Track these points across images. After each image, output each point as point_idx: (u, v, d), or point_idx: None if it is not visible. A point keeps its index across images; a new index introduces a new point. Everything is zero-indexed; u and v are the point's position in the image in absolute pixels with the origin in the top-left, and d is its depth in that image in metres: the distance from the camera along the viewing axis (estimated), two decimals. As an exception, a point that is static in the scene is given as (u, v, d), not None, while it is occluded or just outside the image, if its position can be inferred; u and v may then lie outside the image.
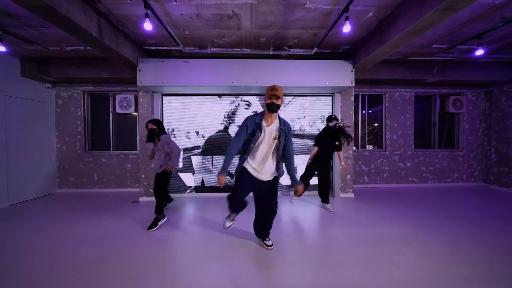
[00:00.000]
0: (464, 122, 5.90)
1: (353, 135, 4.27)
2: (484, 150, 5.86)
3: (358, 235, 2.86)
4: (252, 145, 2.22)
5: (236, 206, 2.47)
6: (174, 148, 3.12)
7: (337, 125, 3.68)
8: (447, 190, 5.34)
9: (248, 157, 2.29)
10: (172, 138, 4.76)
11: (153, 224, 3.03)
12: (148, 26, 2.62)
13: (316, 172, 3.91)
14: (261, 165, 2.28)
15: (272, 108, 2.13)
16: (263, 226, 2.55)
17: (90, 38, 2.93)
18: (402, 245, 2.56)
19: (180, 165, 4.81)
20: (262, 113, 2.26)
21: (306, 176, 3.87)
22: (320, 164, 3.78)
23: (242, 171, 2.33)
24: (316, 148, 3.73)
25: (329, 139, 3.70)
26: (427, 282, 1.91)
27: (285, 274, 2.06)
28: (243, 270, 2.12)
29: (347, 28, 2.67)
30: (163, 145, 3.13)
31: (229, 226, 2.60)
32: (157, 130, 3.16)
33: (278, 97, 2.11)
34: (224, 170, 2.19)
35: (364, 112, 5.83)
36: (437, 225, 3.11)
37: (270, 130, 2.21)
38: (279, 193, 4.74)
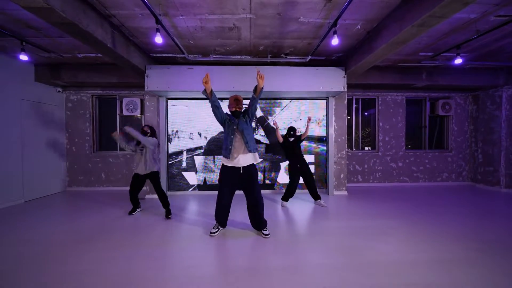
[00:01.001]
0: (453, 125, 6.21)
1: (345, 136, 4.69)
2: (471, 151, 6.16)
3: (347, 227, 3.16)
4: (232, 136, 2.75)
5: (220, 209, 2.87)
6: (149, 143, 3.51)
7: (295, 137, 4.16)
8: (437, 188, 5.64)
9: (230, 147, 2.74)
10: (176, 139, 5.07)
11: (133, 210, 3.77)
12: (158, 39, 2.94)
13: (298, 178, 4.20)
14: (235, 152, 2.72)
15: (236, 114, 2.80)
16: (256, 217, 2.86)
17: (105, 48, 3.24)
18: (386, 235, 2.86)
19: (184, 164, 5.11)
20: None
21: (291, 188, 4.17)
22: (296, 170, 4.12)
23: (225, 169, 2.83)
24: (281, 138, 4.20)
25: (290, 149, 4.13)
26: (403, 265, 2.20)
27: (276, 257, 2.35)
28: (239, 255, 2.42)
29: (335, 41, 2.99)
30: (146, 143, 3.50)
31: (215, 233, 2.89)
32: (149, 134, 3.60)
33: (241, 107, 2.84)
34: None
35: (359, 114, 6.14)
36: (421, 219, 3.41)
37: (238, 125, 2.76)
38: (275, 190, 5.09)
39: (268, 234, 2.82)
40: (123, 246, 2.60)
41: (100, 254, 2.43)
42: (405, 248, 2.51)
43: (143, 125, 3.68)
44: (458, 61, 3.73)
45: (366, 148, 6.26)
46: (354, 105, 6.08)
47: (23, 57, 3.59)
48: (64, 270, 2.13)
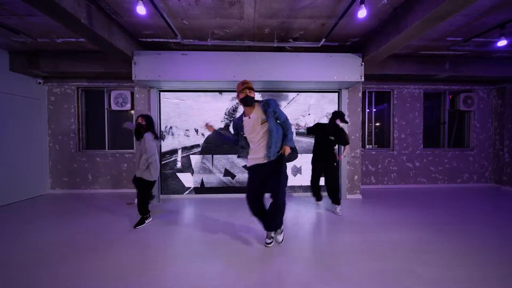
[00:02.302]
0: (475, 121, 5.65)
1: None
2: (495, 149, 5.61)
3: (372, 242, 2.61)
4: (244, 141, 2.46)
5: (251, 204, 2.44)
6: (148, 151, 2.93)
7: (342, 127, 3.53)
8: (458, 191, 5.10)
9: (248, 150, 2.46)
10: (170, 137, 4.51)
11: (140, 222, 3.02)
12: (141, 10, 2.37)
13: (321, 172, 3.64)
14: (259, 149, 2.35)
15: (247, 101, 2.27)
16: (272, 213, 2.37)
17: (79, 25, 2.67)
18: (424, 252, 2.31)
19: (179, 164, 4.56)
20: (242, 113, 2.48)
21: (314, 181, 3.68)
22: (321, 161, 3.55)
23: (248, 168, 2.48)
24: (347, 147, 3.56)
25: (323, 133, 3.50)
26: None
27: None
28: (236, 271, 1.87)
29: (362, 13, 2.43)
30: (143, 144, 2.97)
31: (270, 243, 2.49)
32: (145, 125, 3.02)
33: (251, 89, 2.26)
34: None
35: (368, 110, 5.57)
36: (454, 231, 2.87)
37: (253, 119, 2.31)
38: (294, 194, 4.54)
39: (271, 243, 2.49)
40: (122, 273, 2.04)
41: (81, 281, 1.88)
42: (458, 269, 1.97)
43: (137, 117, 3.10)
44: (502, 42, 3.17)
45: (370, 146, 5.68)
46: (367, 100, 5.51)
47: (-17, 37, 3.02)
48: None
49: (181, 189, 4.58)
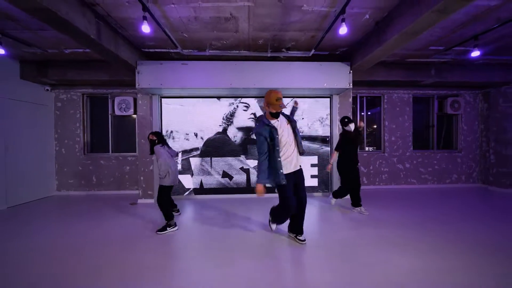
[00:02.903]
0: (462, 123, 5.91)
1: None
2: (482, 151, 5.87)
3: (355, 237, 2.85)
4: (278, 148, 2.36)
5: (287, 213, 2.55)
6: (159, 157, 3.10)
7: (359, 128, 3.77)
8: (446, 191, 5.34)
9: (281, 159, 2.38)
10: (171, 140, 4.77)
11: (163, 228, 3.03)
12: (146, 28, 2.64)
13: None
14: (293, 155, 2.44)
15: (278, 115, 2.42)
16: (300, 219, 2.62)
17: (89, 40, 2.95)
18: (400, 246, 2.55)
19: (179, 167, 4.81)
20: (265, 117, 2.44)
21: (345, 185, 3.76)
22: (352, 165, 3.63)
23: (287, 178, 2.42)
24: (336, 153, 3.70)
25: (351, 146, 3.60)
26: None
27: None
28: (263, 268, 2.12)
29: (343, 30, 2.69)
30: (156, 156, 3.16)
31: (304, 240, 2.64)
32: (156, 141, 3.19)
33: (283, 104, 2.33)
34: (262, 179, 2.37)
35: (363, 113, 5.85)
36: (437, 228, 3.11)
37: (281, 123, 2.42)
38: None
39: (305, 240, 2.65)
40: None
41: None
42: (428, 260, 2.21)
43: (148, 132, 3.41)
44: (476, 53, 3.44)
45: (370, 148, 5.96)
46: (359, 104, 5.78)
47: (0, 51, 3.29)
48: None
49: (181, 190, 4.83)
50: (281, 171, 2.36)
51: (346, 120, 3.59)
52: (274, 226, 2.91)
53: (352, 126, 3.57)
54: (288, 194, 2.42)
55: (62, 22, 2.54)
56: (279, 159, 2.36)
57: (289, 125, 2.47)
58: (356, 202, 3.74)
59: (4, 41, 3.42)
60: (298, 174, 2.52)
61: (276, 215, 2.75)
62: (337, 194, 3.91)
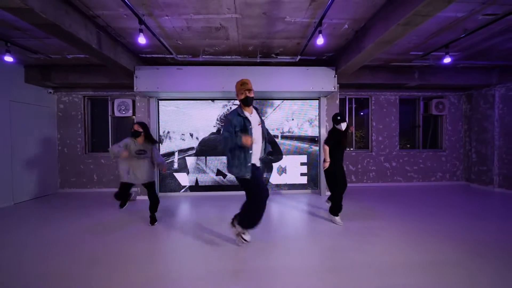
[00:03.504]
0: (447, 124, 6.18)
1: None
2: (466, 150, 6.14)
3: (336, 227, 3.13)
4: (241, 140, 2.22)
5: (259, 206, 2.35)
6: (159, 158, 3.23)
7: (349, 131, 3.52)
8: (431, 188, 5.62)
9: (250, 151, 2.31)
10: (168, 140, 5.05)
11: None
12: (142, 40, 2.92)
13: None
14: (258, 151, 2.43)
15: (248, 101, 2.33)
16: (262, 212, 2.39)
17: (90, 49, 3.22)
18: (376, 236, 2.83)
19: (176, 165, 5.09)
20: (240, 108, 2.39)
21: (333, 189, 3.34)
22: (338, 164, 3.29)
23: (253, 169, 2.34)
24: (327, 148, 3.24)
25: (338, 147, 3.27)
26: (394, 267, 2.18)
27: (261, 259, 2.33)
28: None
29: (320, 41, 2.97)
30: (150, 151, 3.17)
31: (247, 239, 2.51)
32: (143, 133, 3.09)
33: (250, 90, 2.32)
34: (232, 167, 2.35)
35: (353, 115, 6.11)
36: (414, 219, 3.39)
37: (253, 119, 2.39)
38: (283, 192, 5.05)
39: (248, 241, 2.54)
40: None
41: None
42: (396, 250, 2.49)
43: (136, 126, 3.11)
44: (447, 60, 3.71)
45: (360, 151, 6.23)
46: (347, 105, 6.05)
47: (8, 58, 3.57)
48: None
49: (178, 187, 5.11)
50: (249, 165, 2.29)
51: (338, 118, 3.20)
52: (247, 236, 2.51)
53: (343, 126, 3.18)
54: (258, 181, 2.35)
55: (66, 34, 2.81)
56: (250, 151, 2.30)
57: (260, 125, 2.43)
58: (335, 209, 3.30)
59: (12, 49, 3.69)
60: (258, 169, 2.45)
61: (247, 216, 2.42)
62: (335, 210, 3.31)
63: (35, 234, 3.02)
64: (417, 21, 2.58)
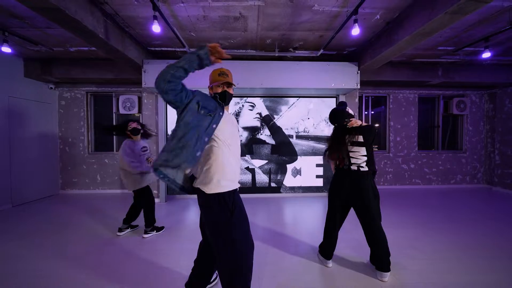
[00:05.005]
0: (468, 124, 5.89)
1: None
2: (487, 152, 5.85)
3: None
4: (206, 139, 1.38)
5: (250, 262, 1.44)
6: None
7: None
8: (451, 191, 5.34)
9: (200, 154, 1.39)
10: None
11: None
12: (156, 28, 2.61)
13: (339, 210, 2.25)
14: (238, 168, 1.52)
15: (226, 98, 1.50)
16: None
17: (97, 39, 2.91)
18: (412, 249, 2.55)
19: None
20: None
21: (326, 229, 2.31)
22: (337, 194, 2.20)
23: (234, 198, 1.43)
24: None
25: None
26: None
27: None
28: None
29: (356, 31, 2.66)
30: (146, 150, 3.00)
31: None
32: (142, 131, 2.96)
33: (230, 85, 1.52)
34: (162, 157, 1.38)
35: (366, 113, 5.82)
36: (441, 229, 3.11)
37: (230, 118, 1.56)
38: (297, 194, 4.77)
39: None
40: None
41: None
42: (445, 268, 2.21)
43: (134, 124, 2.89)
44: (487, 54, 3.41)
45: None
46: (364, 103, 5.75)
47: (6, 49, 3.26)
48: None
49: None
50: (186, 172, 1.40)
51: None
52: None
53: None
54: (243, 227, 1.43)
55: (71, 21, 2.50)
56: (198, 153, 1.36)
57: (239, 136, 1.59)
58: (326, 250, 2.26)
59: (10, 39, 3.38)
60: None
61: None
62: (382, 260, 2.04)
63: (31, 238, 2.74)
64: (468, 9, 2.28)
